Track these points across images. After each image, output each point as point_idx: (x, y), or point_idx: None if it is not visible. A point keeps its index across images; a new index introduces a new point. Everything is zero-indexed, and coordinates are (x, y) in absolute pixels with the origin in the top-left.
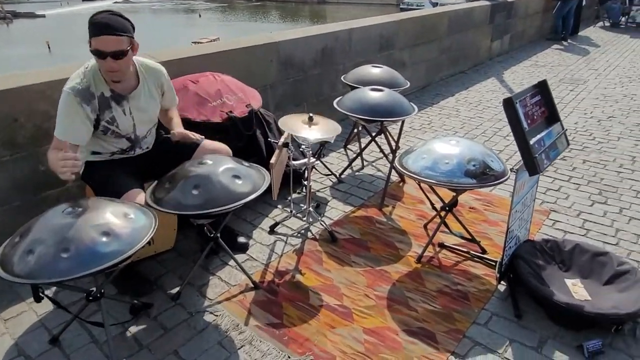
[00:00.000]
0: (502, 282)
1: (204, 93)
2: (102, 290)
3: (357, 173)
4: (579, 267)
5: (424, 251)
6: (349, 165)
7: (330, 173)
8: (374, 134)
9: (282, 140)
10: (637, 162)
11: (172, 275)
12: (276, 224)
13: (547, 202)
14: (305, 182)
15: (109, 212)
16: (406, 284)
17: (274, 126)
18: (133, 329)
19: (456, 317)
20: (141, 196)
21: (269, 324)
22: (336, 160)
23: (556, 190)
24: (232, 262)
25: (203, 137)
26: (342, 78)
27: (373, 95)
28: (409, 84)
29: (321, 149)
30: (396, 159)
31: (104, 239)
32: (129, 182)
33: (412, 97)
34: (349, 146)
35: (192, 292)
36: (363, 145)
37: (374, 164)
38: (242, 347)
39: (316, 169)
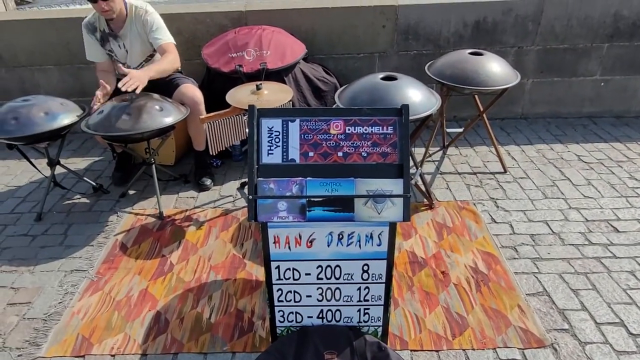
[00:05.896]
0: None
1: (232, 44)
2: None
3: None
4: None
5: None
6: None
7: None
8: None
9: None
10: None
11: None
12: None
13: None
14: None
15: None
16: None
17: (308, 91)
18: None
19: None
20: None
21: None
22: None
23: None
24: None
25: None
26: (425, 68)
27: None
28: (519, 77)
29: None
30: None
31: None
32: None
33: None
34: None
35: (133, 199)
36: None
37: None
38: None
39: None
